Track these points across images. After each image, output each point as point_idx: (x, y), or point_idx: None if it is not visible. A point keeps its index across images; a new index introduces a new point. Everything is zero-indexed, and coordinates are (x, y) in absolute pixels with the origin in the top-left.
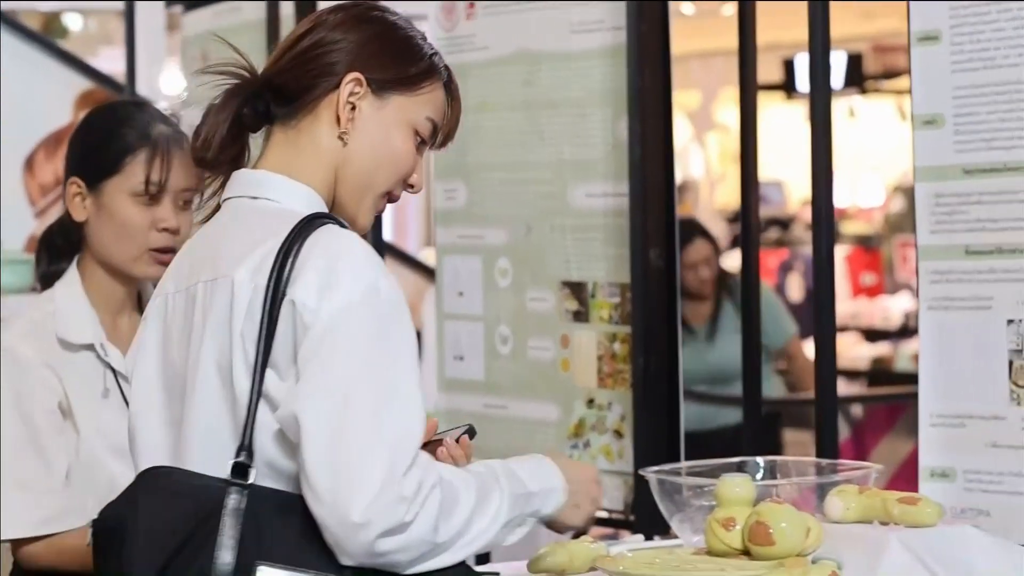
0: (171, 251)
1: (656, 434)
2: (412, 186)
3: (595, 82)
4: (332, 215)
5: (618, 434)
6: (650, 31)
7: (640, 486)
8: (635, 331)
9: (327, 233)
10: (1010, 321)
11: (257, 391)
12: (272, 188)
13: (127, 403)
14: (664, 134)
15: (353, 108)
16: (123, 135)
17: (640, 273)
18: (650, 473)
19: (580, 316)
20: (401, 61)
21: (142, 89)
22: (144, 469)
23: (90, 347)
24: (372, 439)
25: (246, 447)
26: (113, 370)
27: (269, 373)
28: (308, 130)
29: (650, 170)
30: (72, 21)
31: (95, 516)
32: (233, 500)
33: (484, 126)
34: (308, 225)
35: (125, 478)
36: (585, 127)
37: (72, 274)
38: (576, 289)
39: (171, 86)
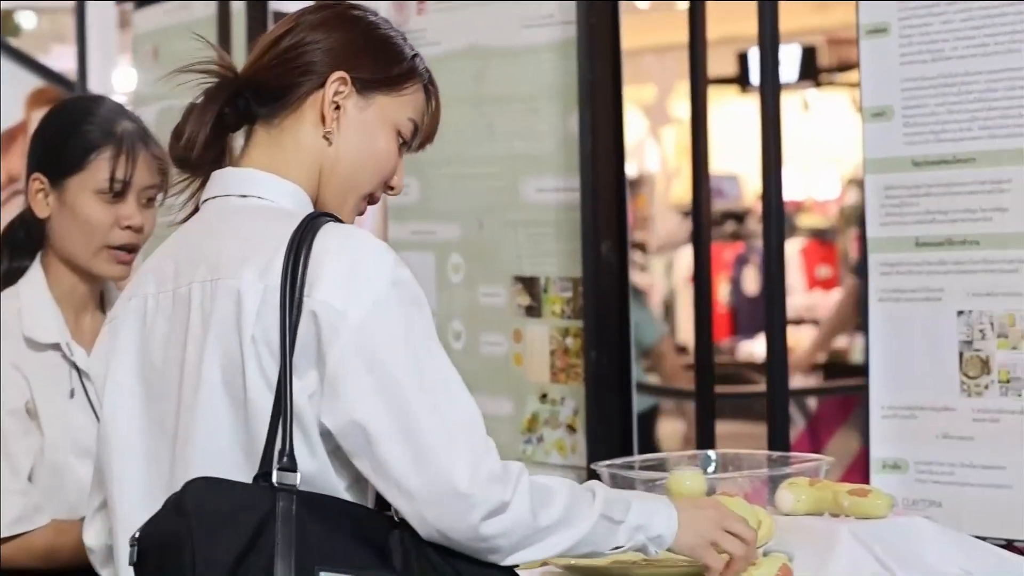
0: (134, 249)
1: (609, 428)
2: (392, 187)
3: (546, 77)
4: (331, 213)
5: (571, 429)
6: (600, 25)
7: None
8: (587, 325)
9: (336, 231)
10: (960, 312)
11: (289, 395)
12: (262, 186)
13: (91, 403)
14: (615, 128)
15: (338, 107)
16: (87, 132)
17: (592, 267)
18: (602, 467)
19: (532, 311)
20: (385, 61)
21: (94, 86)
22: (187, 481)
23: (56, 346)
24: (444, 427)
25: (288, 452)
26: (78, 369)
27: None
28: (292, 129)
29: (601, 164)
30: (25, 19)
31: (56, 515)
32: (283, 506)
33: None
34: (312, 224)
35: (90, 479)
36: (536, 122)
37: (36, 271)
38: (528, 284)
39: (123, 83)
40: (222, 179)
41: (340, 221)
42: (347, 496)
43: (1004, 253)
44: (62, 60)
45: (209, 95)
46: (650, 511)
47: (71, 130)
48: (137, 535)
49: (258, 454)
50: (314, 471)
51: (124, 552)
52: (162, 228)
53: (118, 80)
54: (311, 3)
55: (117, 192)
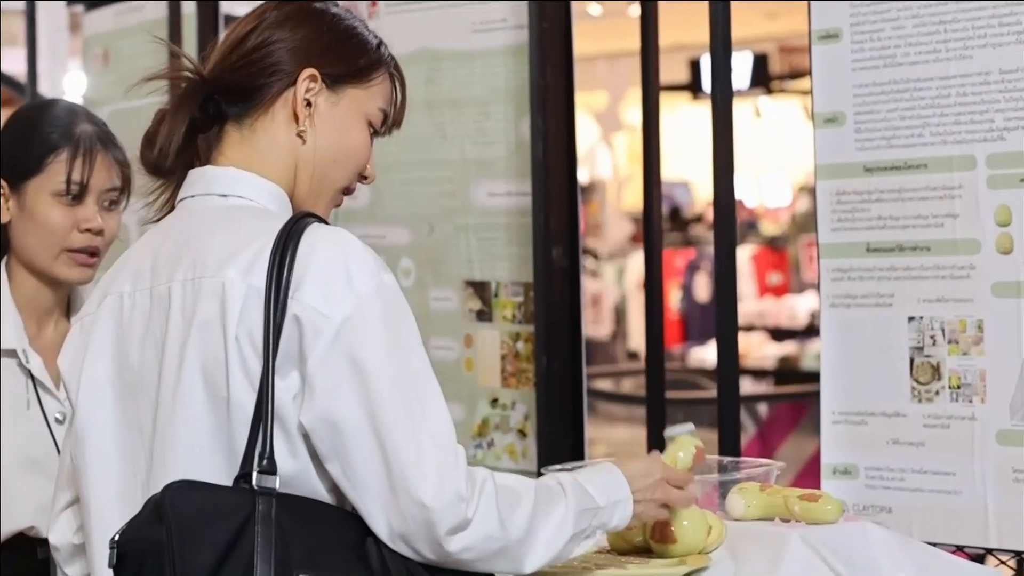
0: (95, 252)
1: (560, 433)
2: (366, 177)
3: (498, 81)
4: (315, 214)
5: (522, 433)
6: (552, 30)
7: None
8: (538, 330)
9: (321, 233)
10: (911, 318)
11: (271, 396)
12: (244, 186)
13: (44, 415)
14: (567, 133)
15: (309, 104)
16: (45, 134)
17: (543, 272)
18: (552, 471)
19: (483, 315)
20: (351, 53)
21: (44, 89)
22: (166, 485)
23: (12, 354)
24: (415, 436)
25: (267, 454)
26: (33, 379)
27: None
28: (264, 129)
29: (553, 169)
30: None
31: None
32: (263, 509)
33: None
34: (297, 225)
35: (32, 490)
36: (488, 126)
37: None
38: (479, 288)
39: (74, 86)
40: (201, 178)
41: (324, 222)
42: (328, 498)
43: (955, 259)
44: (12, 62)
45: (179, 101)
46: (610, 493)
47: (29, 134)
48: (116, 538)
49: (238, 454)
50: (295, 472)
51: (99, 550)
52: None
53: (68, 83)
54: (267, 1)
55: (75, 194)
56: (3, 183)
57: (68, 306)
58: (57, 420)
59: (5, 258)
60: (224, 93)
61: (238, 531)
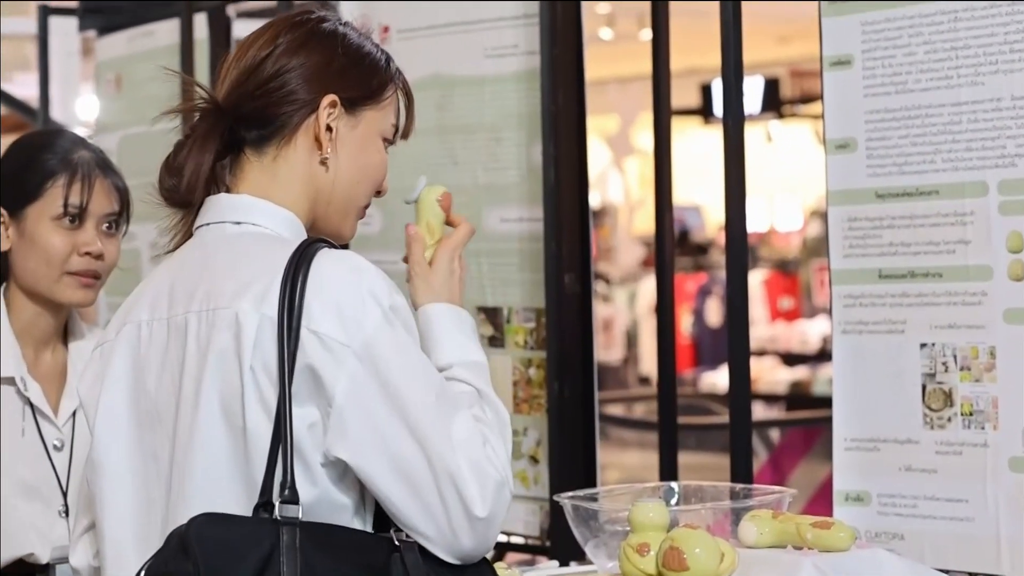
0: (95, 276)
1: (572, 460)
2: (379, 192)
3: (509, 106)
4: (324, 238)
5: (534, 460)
6: (563, 55)
7: (556, 512)
8: (550, 356)
9: (331, 258)
10: (923, 345)
11: (289, 426)
12: (258, 213)
13: (43, 440)
14: (579, 158)
15: (329, 129)
16: (44, 160)
17: (555, 298)
18: (565, 499)
19: (495, 341)
20: (365, 75)
21: (56, 114)
22: (191, 519)
23: (11, 381)
24: (453, 452)
25: (289, 484)
26: (32, 406)
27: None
28: (285, 157)
29: (565, 194)
30: None
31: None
32: (287, 540)
33: (398, 151)
34: (307, 251)
35: (32, 516)
36: (499, 152)
37: None
38: (491, 314)
39: (86, 111)
40: (216, 205)
41: (334, 246)
42: (349, 521)
43: (967, 285)
44: (24, 88)
45: (203, 133)
46: (460, 343)
47: (29, 162)
48: (143, 574)
49: (256, 483)
50: (314, 499)
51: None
52: (125, 257)
53: (81, 108)
54: (280, 16)
55: (74, 217)
56: (3, 211)
57: (66, 333)
58: (55, 447)
59: (4, 285)
60: (241, 120)
61: (264, 562)
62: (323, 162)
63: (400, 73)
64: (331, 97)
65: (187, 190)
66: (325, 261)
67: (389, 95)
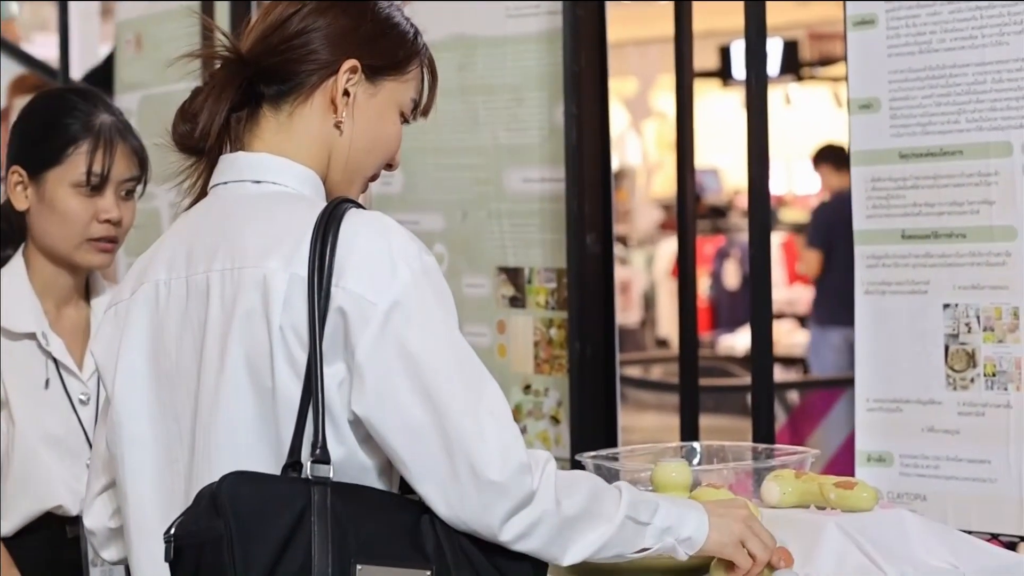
0: (113, 241)
1: (593, 420)
2: (391, 165)
3: (531, 67)
4: (353, 199)
5: (555, 420)
6: (586, 15)
7: None
8: (571, 317)
9: (361, 218)
10: (946, 305)
11: (321, 384)
12: (277, 172)
13: (68, 393)
14: (600, 119)
15: (347, 95)
16: (66, 125)
17: (576, 258)
18: (587, 458)
19: (516, 302)
20: (391, 45)
21: (76, 75)
22: (222, 477)
23: (31, 336)
24: (475, 416)
25: (320, 444)
26: (55, 360)
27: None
28: (301, 115)
29: (587, 155)
30: (7, 7)
31: (23, 505)
32: (318, 500)
33: None
34: (336, 210)
35: (60, 469)
36: (521, 112)
37: (17, 262)
38: (512, 275)
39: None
40: (234, 164)
41: (361, 206)
42: (377, 482)
43: (991, 246)
44: (45, 48)
45: (222, 81)
46: (679, 513)
47: (50, 124)
48: (173, 531)
49: (283, 443)
50: (342, 458)
51: (136, 537)
52: (144, 216)
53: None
54: None
55: (95, 186)
56: (22, 172)
57: (87, 289)
58: (81, 401)
59: (23, 244)
60: (262, 74)
61: (295, 522)
62: (337, 125)
63: (427, 50)
64: (352, 62)
65: (200, 137)
66: (355, 220)
67: (413, 69)
